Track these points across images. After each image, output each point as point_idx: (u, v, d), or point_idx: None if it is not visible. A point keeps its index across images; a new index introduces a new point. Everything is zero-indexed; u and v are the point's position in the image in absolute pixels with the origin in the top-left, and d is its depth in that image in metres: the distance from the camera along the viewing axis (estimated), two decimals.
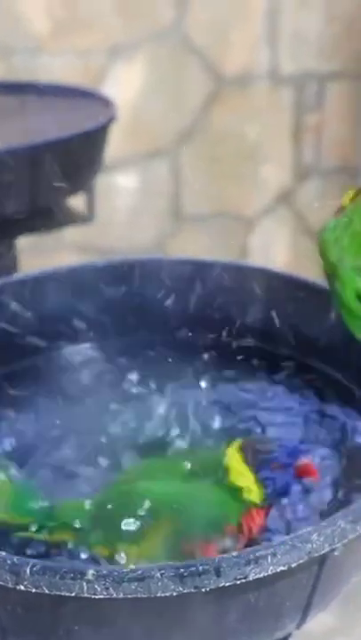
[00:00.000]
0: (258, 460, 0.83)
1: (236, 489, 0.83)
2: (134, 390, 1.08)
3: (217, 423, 1.00)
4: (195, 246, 2.71)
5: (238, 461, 0.83)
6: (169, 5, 2.58)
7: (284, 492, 0.82)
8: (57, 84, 1.96)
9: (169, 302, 1.16)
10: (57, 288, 1.15)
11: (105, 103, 1.78)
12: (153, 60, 2.62)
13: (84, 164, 1.69)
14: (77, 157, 1.64)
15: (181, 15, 2.60)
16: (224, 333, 1.11)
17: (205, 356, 1.10)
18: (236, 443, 0.85)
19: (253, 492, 0.83)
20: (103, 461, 0.97)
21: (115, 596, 0.70)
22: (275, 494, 0.84)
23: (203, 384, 1.08)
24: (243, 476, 0.83)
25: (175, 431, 1.00)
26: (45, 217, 1.74)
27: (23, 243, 1.85)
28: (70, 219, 1.79)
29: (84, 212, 1.80)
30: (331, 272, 0.86)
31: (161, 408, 1.04)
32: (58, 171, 1.59)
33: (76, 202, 1.84)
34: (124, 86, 2.57)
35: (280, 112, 2.74)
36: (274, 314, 1.12)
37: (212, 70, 2.66)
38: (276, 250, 2.85)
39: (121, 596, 0.70)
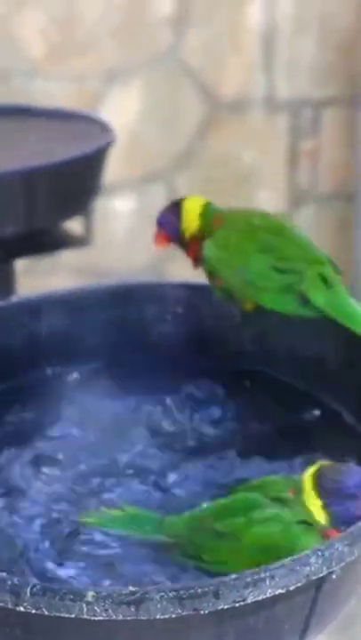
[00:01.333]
0: (328, 489, 0.84)
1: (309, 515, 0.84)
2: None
3: None
4: (191, 270, 2.72)
5: (310, 486, 0.84)
6: (165, 30, 2.60)
7: (350, 521, 0.82)
8: (55, 108, 1.98)
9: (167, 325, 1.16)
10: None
11: (103, 127, 1.80)
12: (149, 84, 2.64)
13: (83, 188, 1.70)
14: (76, 181, 1.65)
15: (178, 40, 2.62)
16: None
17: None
18: (313, 468, 0.86)
19: (322, 518, 0.84)
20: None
21: (114, 617, 0.71)
22: (339, 522, 0.83)
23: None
24: (313, 502, 0.84)
25: None
26: (43, 240, 1.75)
27: (19, 264, 1.86)
28: (68, 242, 1.80)
29: (82, 235, 1.80)
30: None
31: None
32: (56, 194, 1.61)
33: (74, 225, 1.85)
34: (120, 110, 2.59)
35: (276, 137, 2.76)
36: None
37: (208, 95, 2.67)
38: None
39: (120, 617, 0.71)
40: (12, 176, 1.56)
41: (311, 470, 0.85)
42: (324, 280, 1.05)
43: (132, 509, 0.90)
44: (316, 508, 0.83)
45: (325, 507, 0.83)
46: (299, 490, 0.84)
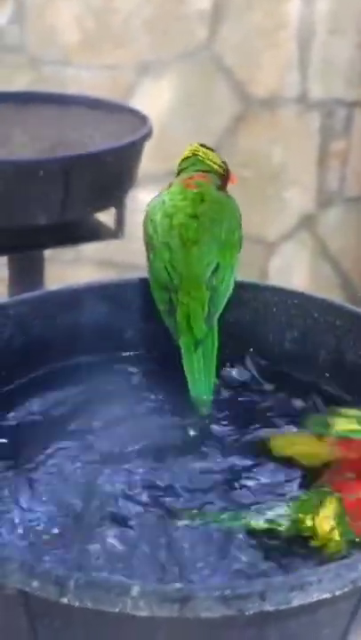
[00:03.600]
0: None
1: None
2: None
3: None
4: None
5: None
6: (200, 25, 2.59)
7: None
8: (93, 97, 1.97)
9: None
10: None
11: (141, 119, 1.79)
12: (181, 78, 2.63)
13: (118, 180, 1.69)
14: (112, 172, 1.64)
15: (212, 35, 2.61)
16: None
17: None
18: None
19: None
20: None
21: (158, 614, 0.70)
22: None
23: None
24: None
25: None
26: (75, 230, 1.74)
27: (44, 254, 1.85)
28: (100, 234, 1.79)
29: (114, 227, 1.79)
30: (147, 242, 1.15)
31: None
32: (91, 185, 1.60)
33: (104, 217, 1.84)
34: (150, 103, 2.58)
35: (307, 137, 2.75)
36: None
37: (240, 91, 2.66)
38: (296, 274, 2.85)
39: (164, 614, 0.70)
40: (49, 165, 1.56)
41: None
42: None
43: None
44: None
45: None
46: None
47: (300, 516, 0.86)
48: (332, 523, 0.84)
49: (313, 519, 0.85)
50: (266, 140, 2.72)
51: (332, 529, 0.84)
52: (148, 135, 1.71)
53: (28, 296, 1.12)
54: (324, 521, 0.85)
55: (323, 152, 2.78)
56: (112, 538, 0.85)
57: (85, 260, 2.66)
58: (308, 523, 0.85)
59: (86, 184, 1.59)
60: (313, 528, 0.85)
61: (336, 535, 0.84)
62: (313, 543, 0.85)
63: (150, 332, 1.15)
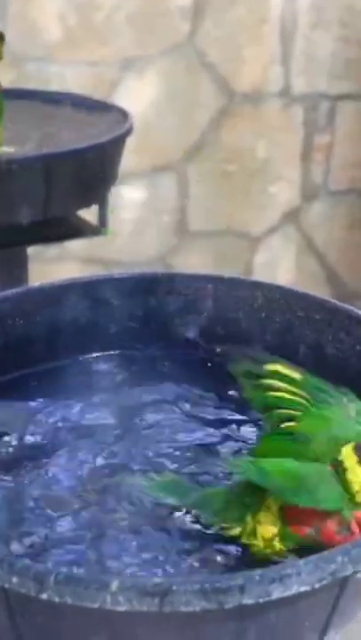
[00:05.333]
0: None
1: (350, 488, 0.83)
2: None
3: None
4: (198, 262, 2.72)
5: (354, 461, 0.83)
6: (183, 20, 2.59)
7: None
8: (75, 94, 1.97)
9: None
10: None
11: (122, 115, 1.78)
12: (165, 74, 2.63)
13: (101, 176, 1.69)
14: (93, 169, 1.64)
15: (195, 30, 2.60)
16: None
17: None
18: (351, 444, 0.84)
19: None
20: None
21: (137, 609, 0.70)
22: None
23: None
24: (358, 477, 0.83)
25: None
26: (57, 228, 1.74)
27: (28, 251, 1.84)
28: (82, 231, 1.79)
29: (97, 224, 1.79)
30: None
31: None
32: (74, 182, 1.60)
33: (86, 214, 1.84)
34: (134, 99, 2.58)
35: (290, 131, 2.75)
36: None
37: (224, 86, 2.66)
38: (282, 268, 2.85)
39: (144, 609, 0.70)
40: (32, 162, 1.55)
41: (351, 445, 0.84)
42: None
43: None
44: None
45: None
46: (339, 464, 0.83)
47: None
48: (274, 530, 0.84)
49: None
50: (250, 135, 2.72)
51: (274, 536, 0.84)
52: (129, 131, 1.71)
53: (9, 293, 1.12)
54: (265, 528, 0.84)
55: (307, 146, 2.78)
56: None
57: (70, 257, 2.65)
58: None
59: (68, 181, 1.59)
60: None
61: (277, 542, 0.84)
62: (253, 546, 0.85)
63: (133, 331, 1.16)
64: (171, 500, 0.89)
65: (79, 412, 1.04)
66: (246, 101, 2.69)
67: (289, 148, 2.76)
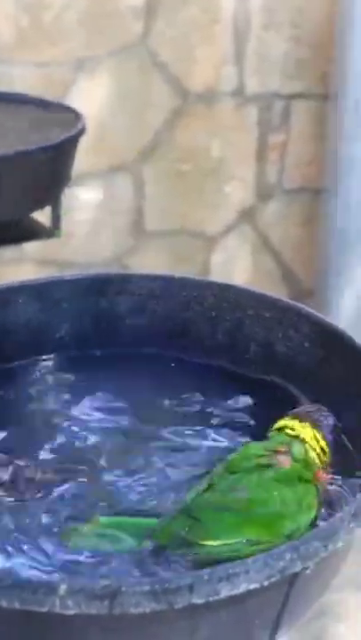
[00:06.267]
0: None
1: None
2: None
3: None
4: (155, 262, 2.72)
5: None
6: (135, 20, 2.59)
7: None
8: (26, 94, 1.96)
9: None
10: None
11: (74, 115, 1.78)
12: (117, 74, 2.62)
13: (52, 178, 1.68)
14: (44, 170, 1.64)
15: (148, 30, 2.60)
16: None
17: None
18: (292, 414, 0.91)
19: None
20: None
21: (87, 612, 0.70)
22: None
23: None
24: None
25: None
26: (9, 231, 1.73)
27: None
28: (35, 233, 1.78)
29: (50, 226, 1.79)
30: None
31: None
32: (24, 184, 1.59)
33: (40, 216, 1.83)
34: (87, 100, 2.57)
35: (244, 130, 2.75)
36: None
37: (178, 86, 2.66)
38: (238, 268, 2.86)
39: (93, 612, 0.70)
40: None
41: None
42: None
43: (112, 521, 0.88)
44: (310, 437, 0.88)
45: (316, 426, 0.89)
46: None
47: None
48: None
49: None
50: (204, 135, 2.72)
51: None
52: (81, 132, 1.71)
53: None
54: None
55: (261, 145, 2.78)
56: None
57: (26, 259, 2.64)
58: None
59: (19, 183, 1.59)
60: None
61: None
62: None
63: (82, 333, 1.15)
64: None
65: None
66: (200, 101, 2.69)
67: (243, 148, 2.77)
